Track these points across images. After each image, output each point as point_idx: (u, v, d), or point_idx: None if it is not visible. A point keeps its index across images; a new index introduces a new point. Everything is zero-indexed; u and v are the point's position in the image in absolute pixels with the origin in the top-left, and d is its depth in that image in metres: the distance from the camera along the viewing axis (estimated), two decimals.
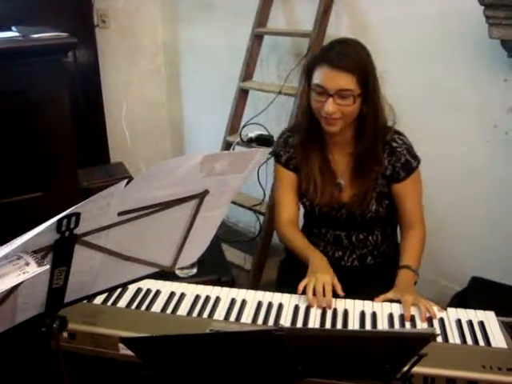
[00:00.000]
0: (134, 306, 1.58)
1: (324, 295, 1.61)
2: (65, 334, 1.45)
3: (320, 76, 1.68)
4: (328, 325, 1.52)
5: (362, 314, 1.56)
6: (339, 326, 1.51)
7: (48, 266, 0.70)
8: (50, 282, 0.84)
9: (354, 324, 1.53)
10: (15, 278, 0.66)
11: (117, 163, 3.63)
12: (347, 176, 1.84)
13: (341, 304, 1.60)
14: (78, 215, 0.75)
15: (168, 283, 1.69)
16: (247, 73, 3.09)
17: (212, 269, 2.11)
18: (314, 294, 1.61)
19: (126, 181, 0.76)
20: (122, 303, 1.59)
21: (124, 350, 1.47)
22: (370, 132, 1.75)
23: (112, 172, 3.41)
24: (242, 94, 3.12)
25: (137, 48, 3.84)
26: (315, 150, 1.83)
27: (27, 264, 0.68)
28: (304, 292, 1.63)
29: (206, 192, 0.91)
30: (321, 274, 1.67)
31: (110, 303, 1.59)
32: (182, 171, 0.82)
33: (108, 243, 0.87)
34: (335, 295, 1.63)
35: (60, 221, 0.73)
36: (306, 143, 1.83)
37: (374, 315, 1.56)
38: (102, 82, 3.62)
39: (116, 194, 0.78)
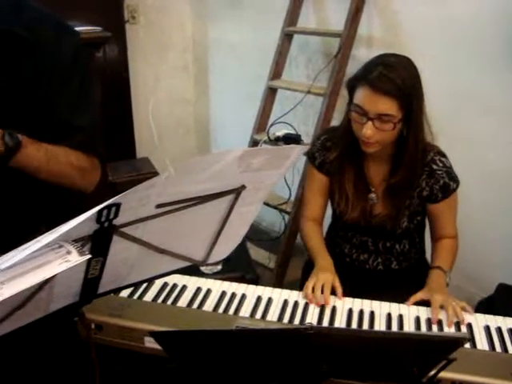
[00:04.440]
0: (160, 300, 1.58)
1: (322, 293, 1.61)
2: (92, 325, 1.47)
3: (360, 97, 1.61)
4: (354, 326, 1.51)
5: (389, 316, 1.55)
6: (365, 327, 1.50)
7: (89, 256, 0.71)
8: (86, 272, 0.85)
9: (380, 326, 1.52)
10: (57, 266, 0.66)
11: (143, 158, 3.66)
12: (381, 191, 1.80)
13: (367, 306, 1.59)
14: (118, 206, 0.75)
15: (194, 279, 1.70)
16: (276, 71, 3.09)
17: (236, 266, 2.12)
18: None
19: (166, 173, 0.76)
20: (149, 297, 1.60)
21: (149, 344, 1.48)
22: (411, 156, 1.69)
23: (138, 167, 3.45)
24: (271, 93, 3.12)
25: (165, 44, 3.86)
26: (351, 163, 1.78)
27: (69, 253, 0.68)
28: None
29: (243, 187, 0.91)
30: (322, 274, 1.68)
31: (136, 296, 1.59)
32: (221, 166, 0.82)
33: (144, 235, 0.87)
34: (358, 295, 1.63)
35: (101, 211, 0.74)
36: (344, 155, 1.78)
37: (400, 318, 1.55)
38: (130, 78, 3.65)
39: (156, 187, 0.78)
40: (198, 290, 1.64)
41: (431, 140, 1.75)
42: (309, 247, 1.87)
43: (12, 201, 1.31)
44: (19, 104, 1.28)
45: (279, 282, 2.84)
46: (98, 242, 0.80)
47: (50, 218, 1.44)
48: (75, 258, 0.68)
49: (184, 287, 1.65)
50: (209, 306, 1.57)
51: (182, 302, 1.58)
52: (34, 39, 1.29)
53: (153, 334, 1.05)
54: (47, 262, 0.67)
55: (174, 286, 1.65)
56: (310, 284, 1.65)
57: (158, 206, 0.82)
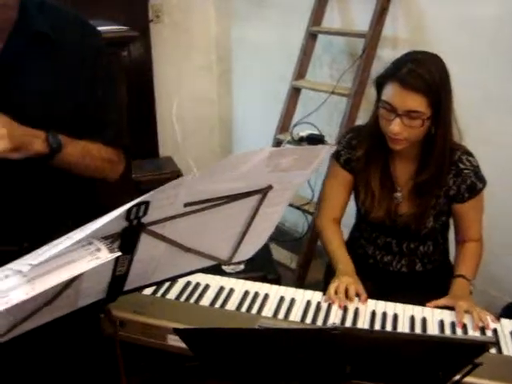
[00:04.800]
0: (183, 299, 1.59)
1: (347, 296, 1.61)
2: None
3: (389, 93, 1.61)
4: (377, 328, 1.50)
5: (412, 319, 1.54)
6: (389, 329, 1.50)
7: (120, 253, 0.71)
8: (114, 269, 0.86)
9: (403, 328, 1.51)
10: (87, 263, 0.67)
11: (166, 157, 3.68)
12: (406, 190, 1.78)
13: (390, 308, 1.58)
14: (147, 204, 0.76)
15: (217, 278, 1.70)
16: (300, 71, 3.08)
17: (259, 266, 2.12)
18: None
19: (195, 173, 0.77)
20: (172, 295, 1.61)
21: (172, 341, 1.49)
22: (439, 154, 1.68)
23: (161, 166, 3.47)
24: (294, 93, 3.11)
25: (189, 44, 3.87)
26: (378, 161, 1.77)
27: (98, 250, 0.69)
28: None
29: (270, 187, 0.91)
30: (345, 278, 1.67)
31: (159, 294, 1.61)
32: (249, 165, 0.82)
33: (171, 234, 0.88)
34: (381, 297, 1.63)
35: (130, 209, 0.75)
36: (370, 153, 1.77)
37: (424, 321, 1.54)
38: (154, 77, 3.68)
39: (185, 185, 0.78)
40: (221, 289, 1.64)
41: (458, 139, 1.73)
42: (329, 251, 1.86)
43: (41, 196, 1.34)
44: (57, 104, 1.30)
45: (300, 283, 2.84)
46: (126, 240, 0.81)
47: (76, 213, 1.48)
48: (105, 255, 0.68)
49: (207, 286, 1.65)
50: (231, 305, 1.58)
51: (205, 301, 1.59)
52: (62, 40, 1.31)
53: (177, 330, 1.05)
54: (77, 258, 0.68)
55: (197, 284, 1.66)
56: (332, 286, 1.64)
57: (186, 205, 0.82)
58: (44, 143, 1.22)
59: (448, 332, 1.49)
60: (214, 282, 1.68)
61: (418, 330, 1.50)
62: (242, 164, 0.81)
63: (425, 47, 1.71)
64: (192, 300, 1.59)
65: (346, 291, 1.62)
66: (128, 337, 1.49)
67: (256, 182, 0.90)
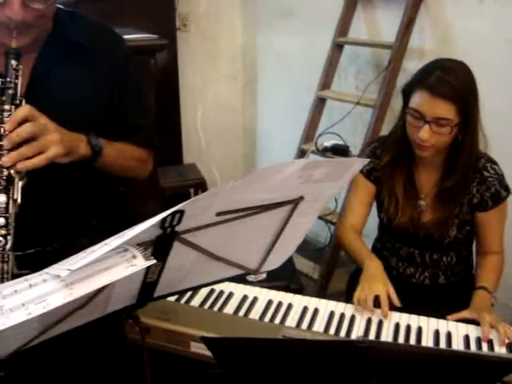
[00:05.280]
0: (207, 306, 1.60)
1: (378, 307, 1.59)
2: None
3: (418, 101, 1.62)
4: (401, 341, 1.49)
5: (437, 333, 1.53)
6: (412, 343, 1.48)
7: (155, 261, 0.72)
8: (145, 276, 0.87)
9: (427, 342, 1.49)
10: (124, 269, 0.68)
11: (190, 164, 3.71)
12: (430, 198, 1.79)
13: (414, 321, 1.57)
14: (181, 213, 0.77)
15: (241, 286, 1.71)
16: (325, 82, 3.09)
17: (281, 275, 2.11)
18: None
19: (231, 182, 0.78)
20: (196, 302, 1.61)
21: (195, 348, 1.49)
22: (465, 161, 1.69)
23: (185, 173, 3.49)
24: (320, 103, 3.12)
25: (215, 52, 3.91)
26: (403, 168, 1.78)
27: (134, 257, 0.70)
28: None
29: (301, 198, 0.92)
30: (374, 284, 1.64)
31: (183, 301, 1.61)
32: (282, 176, 0.83)
33: (203, 242, 0.89)
34: (404, 310, 1.61)
35: (165, 217, 0.76)
36: (396, 160, 1.78)
37: (448, 335, 1.52)
38: (179, 84, 3.71)
39: (218, 195, 0.79)
40: (245, 297, 1.65)
41: (484, 148, 1.74)
42: (352, 252, 1.85)
43: (71, 197, 1.37)
44: (91, 110, 1.33)
45: (322, 293, 2.83)
46: (159, 247, 0.82)
47: (100, 213, 1.52)
48: (141, 263, 0.70)
49: (230, 294, 1.66)
50: (255, 313, 1.58)
51: (229, 309, 1.59)
52: (93, 48, 1.35)
53: (204, 339, 1.06)
54: (114, 264, 0.69)
55: (221, 292, 1.66)
56: (360, 296, 1.62)
57: (218, 214, 0.83)
58: (87, 146, 1.26)
59: (474, 347, 1.48)
60: (238, 290, 1.68)
61: (442, 344, 1.49)
62: (275, 175, 0.82)
63: None
64: (216, 308, 1.60)
65: (375, 299, 1.61)
66: (152, 343, 1.50)
67: (288, 192, 0.90)
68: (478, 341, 1.51)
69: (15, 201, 1.13)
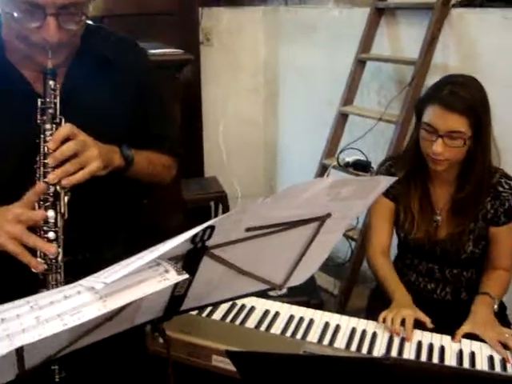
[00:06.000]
0: (228, 320, 1.60)
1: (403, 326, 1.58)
2: (161, 340, 1.50)
3: (431, 115, 1.65)
4: (423, 359, 1.48)
5: (460, 353, 1.51)
6: (435, 361, 1.47)
7: (187, 276, 0.74)
8: (173, 290, 0.88)
9: (450, 362, 1.48)
10: (157, 283, 0.69)
11: (211, 177, 3.73)
12: (445, 213, 1.80)
13: (437, 340, 1.56)
14: (212, 228, 0.78)
15: (262, 300, 1.71)
16: (348, 97, 3.09)
17: (302, 291, 2.10)
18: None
19: (263, 199, 0.79)
20: (217, 315, 1.62)
21: (216, 362, 1.50)
22: (478, 174, 1.71)
23: (206, 186, 3.51)
24: (342, 119, 3.12)
25: (238, 66, 3.94)
26: (418, 183, 1.81)
27: (167, 271, 0.71)
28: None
29: (329, 215, 0.93)
30: (404, 309, 1.64)
31: (204, 314, 1.62)
32: (309, 194, 0.84)
33: (231, 257, 0.90)
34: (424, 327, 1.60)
35: (196, 232, 0.77)
36: (410, 176, 1.81)
37: (472, 355, 1.51)
38: (202, 98, 3.74)
39: (248, 212, 0.81)
40: (266, 312, 1.65)
41: (497, 163, 1.77)
42: (380, 278, 1.85)
43: (100, 208, 1.39)
44: (119, 122, 1.36)
45: (342, 309, 2.82)
46: (189, 262, 0.83)
47: (129, 225, 1.56)
48: (174, 277, 0.71)
49: (252, 308, 1.66)
50: (277, 328, 1.58)
51: (251, 323, 1.59)
52: (119, 61, 1.38)
53: (229, 352, 1.06)
54: (147, 278, 0.70)
55: (243, 306, 1.67)
56: (388, 317, 1.61)
57: (248, 230, 0.84)
58: (121, 158, 1.31)
59: (498, 368, 1.46)
60: (259, 304, 1.69)
61: (466, 364, 1.47)
62: (303, 192, 0.83)
63: (476, 76, 1.73)
64: (237, 321, 1.60)
65: (403, 321, 1.60)
66: (173, 355, 1.51)
67: (315, 209, 0.91)
68: (504, 362, 1.49)
69: (63, 215, 1.18)
